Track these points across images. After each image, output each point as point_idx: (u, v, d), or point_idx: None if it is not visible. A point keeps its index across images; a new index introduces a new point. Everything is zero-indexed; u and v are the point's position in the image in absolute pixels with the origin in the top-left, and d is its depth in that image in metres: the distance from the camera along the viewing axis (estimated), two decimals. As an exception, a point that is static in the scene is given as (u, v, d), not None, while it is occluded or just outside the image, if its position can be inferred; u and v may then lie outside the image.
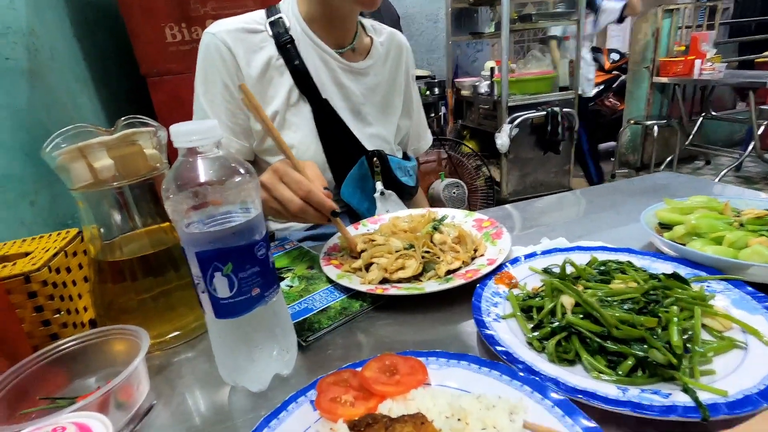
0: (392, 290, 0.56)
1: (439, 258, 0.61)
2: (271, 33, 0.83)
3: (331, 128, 0.87)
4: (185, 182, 0.39)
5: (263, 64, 0.82)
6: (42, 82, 0.96)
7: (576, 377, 0.38)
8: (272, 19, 0.85)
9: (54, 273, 0.55)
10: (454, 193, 2.09)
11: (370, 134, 0.93)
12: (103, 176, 0.51)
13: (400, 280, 0.59)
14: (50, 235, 0.65)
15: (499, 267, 0.58)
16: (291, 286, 0.64)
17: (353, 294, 0.59)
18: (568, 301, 0.46)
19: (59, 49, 1.07)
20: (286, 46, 0.83)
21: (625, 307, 0.44)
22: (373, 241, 0.66)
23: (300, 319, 0.56)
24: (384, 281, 0.59)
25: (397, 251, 0.62)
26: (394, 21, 2.95)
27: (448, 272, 0.59)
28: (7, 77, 0.85)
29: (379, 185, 0.90)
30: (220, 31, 0.80)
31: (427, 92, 3.99)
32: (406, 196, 0.97)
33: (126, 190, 0.55)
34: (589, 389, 0.37)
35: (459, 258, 0.61)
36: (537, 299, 0.50)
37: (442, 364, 0.42)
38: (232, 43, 0.79)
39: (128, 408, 0.43)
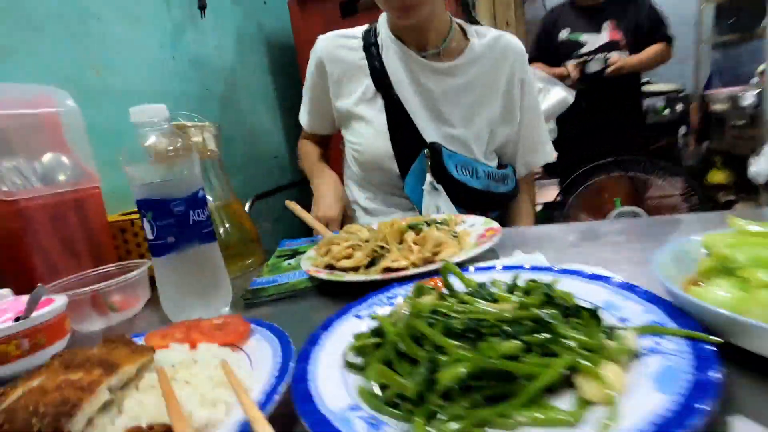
0: (322, 273, 0.56)
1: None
2: (362, 39, 0.95)
3: (399, 123, 0.91)
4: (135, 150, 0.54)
5: (347, 63, 0.95)
6: (233, 107, 1.37)
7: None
8: (366, 28, 0.97)
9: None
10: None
11: (449, 135, 0.92)
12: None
13: (344, 269, 0.58)
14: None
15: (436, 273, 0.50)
16: (289, 264, 0.72)
17: (310, 277, 0.62)
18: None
19: (252, 83, 1.49)
20: (370, 48, 0.94)
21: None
22: (352, 233, 0.66)
23: (257, 286, 0.63)
24: (331, 268, 0.60)
25: (358, 243, 0.61)
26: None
27: (389, 270, 0.55)
28: (205, 101, 1.27)
29: (428, 177, 0.88)
30: (324, 37, 0.99)
31: (666, 110, 3.26)
32: (462, 195, 0.90)
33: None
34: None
35: (405, 257, 0.55)
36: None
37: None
38: (325, 45, 0.96)
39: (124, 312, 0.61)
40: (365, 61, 0.94)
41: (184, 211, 0.53)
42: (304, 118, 1.08)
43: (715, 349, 0.27)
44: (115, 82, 0.98)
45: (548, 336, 0.30)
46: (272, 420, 0.27)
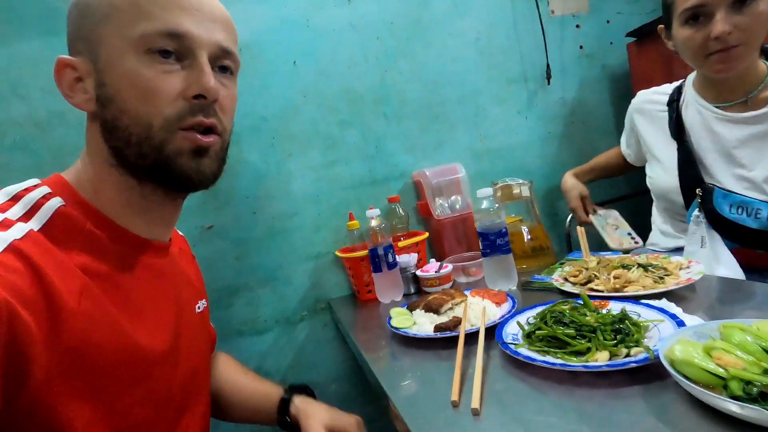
0: (558, 282, 1.03)
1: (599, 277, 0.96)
2: (668, 95, 1.23)
3: (687, 165, 1.15)
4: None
5: (652, 114, 1.28)
6: (571, 141, 1.81)
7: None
8: (678, 84, 1.24)
9: (495, 231, 1.49)
10: None
11: (740, 176, 1.08)
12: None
13: (573, 283, 1.02)
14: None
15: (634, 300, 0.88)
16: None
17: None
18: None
19: (591, 117, 1.84)
20: (672, 103, 1.21)
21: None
22: (587, 261, 1.06)
23: (533, 279, 1.16)
24: (566, 280, 1.05)
25: (586, 267, 1.02)
26: None
27: (591, 289, 0.95)
28: (547, 141, 1.78)
29: (696, 212, 1.09)
30: (640, 93, 1.35)
31: None
32: (735, 232, 1.04)
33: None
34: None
35: (604, 284, 0.93)
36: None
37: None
38: (638, 101, 1.33)
39: (474, 277, 1.32)
40: (666, 114, 1.21)
41: (494, 239, 1.15)
42: (623, 143, 1.47)
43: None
44: (491, 144, 1.71)
45: (588, 331, 0.71)
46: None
